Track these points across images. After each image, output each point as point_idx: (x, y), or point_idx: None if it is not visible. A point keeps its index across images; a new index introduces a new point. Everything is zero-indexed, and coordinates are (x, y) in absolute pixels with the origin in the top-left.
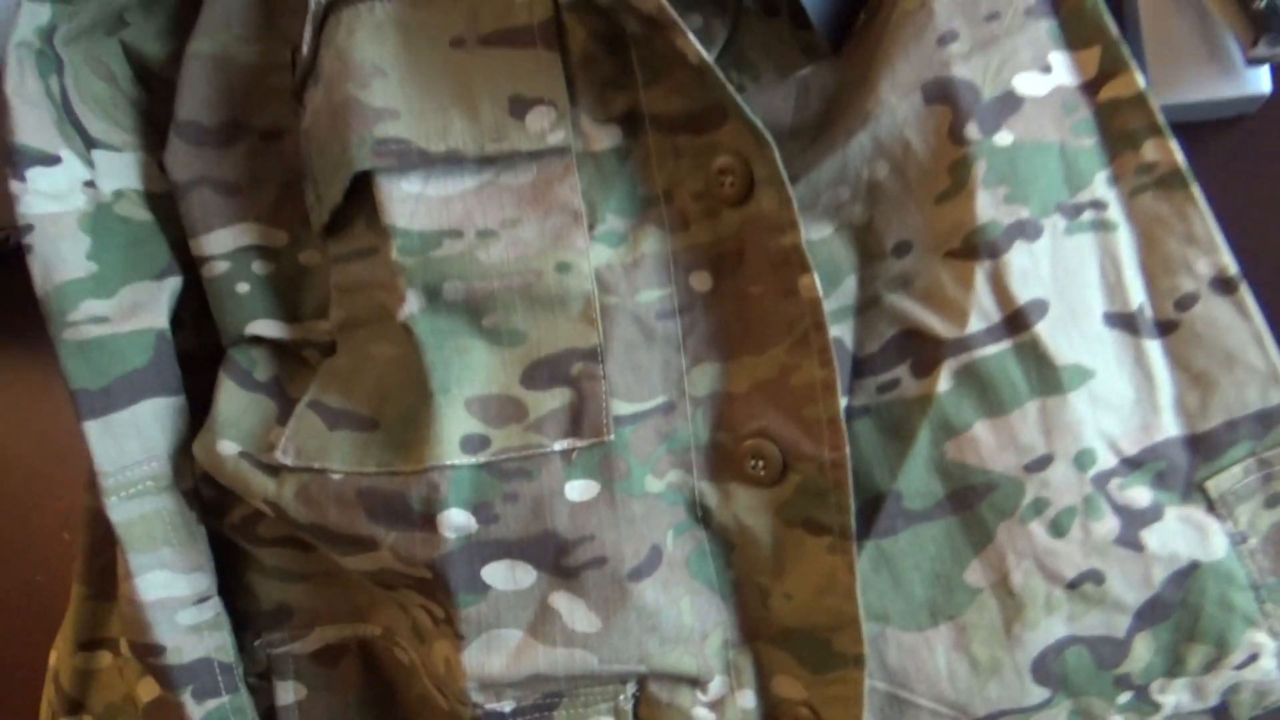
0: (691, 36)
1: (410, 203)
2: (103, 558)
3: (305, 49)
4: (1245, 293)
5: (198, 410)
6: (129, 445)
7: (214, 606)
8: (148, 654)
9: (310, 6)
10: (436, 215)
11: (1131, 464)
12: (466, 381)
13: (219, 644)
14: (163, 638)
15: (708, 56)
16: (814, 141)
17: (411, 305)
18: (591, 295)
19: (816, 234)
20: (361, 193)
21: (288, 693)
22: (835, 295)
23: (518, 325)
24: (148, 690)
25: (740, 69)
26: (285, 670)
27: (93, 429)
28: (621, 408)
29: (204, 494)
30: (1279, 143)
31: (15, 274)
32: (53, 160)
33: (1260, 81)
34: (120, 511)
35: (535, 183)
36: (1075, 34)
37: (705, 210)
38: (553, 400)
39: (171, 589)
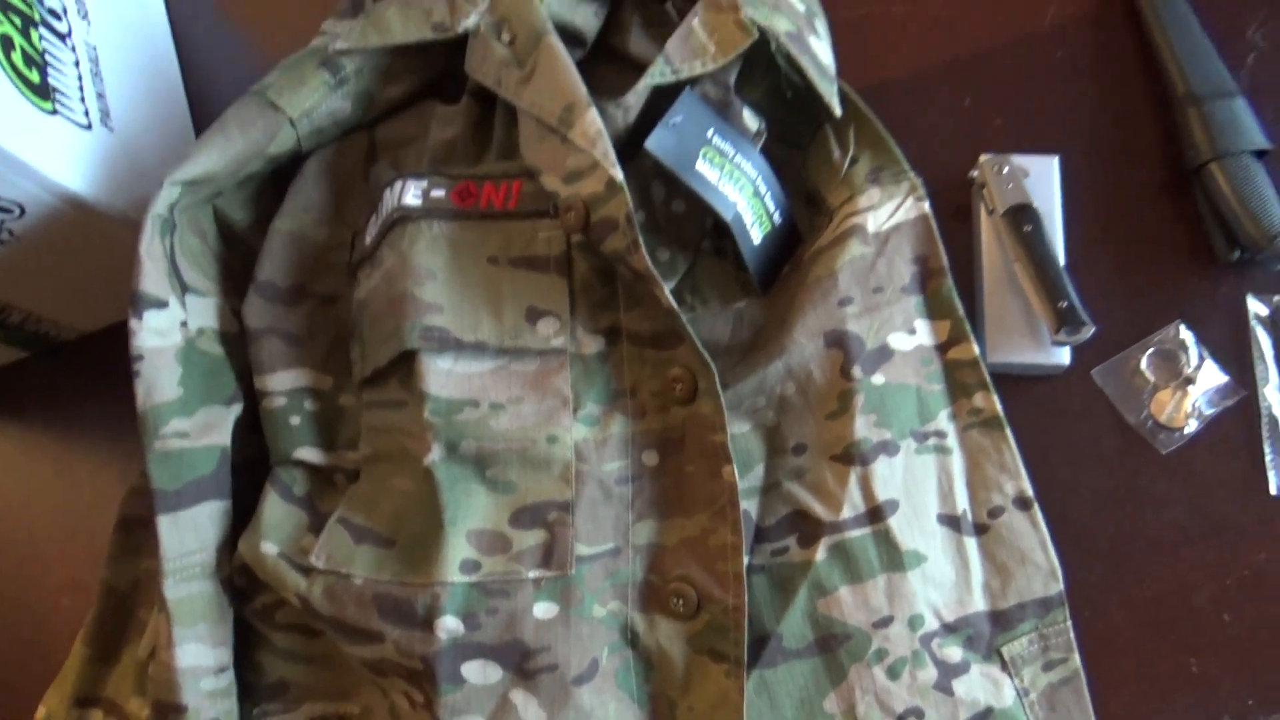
0: (665, 291)
1: (443, 376)
2: (108, 626)
3: (369, 241)
4: (1037, 510)
5: (236, 509)
6: (189, 538)
7: (229, 677)
8: (171, 712)
9: (381, 213)
10: (461, 388)
11: (949, 629)
12: (469, 517)
13: (228, 709)
14: (187, 699)
15: (674, 304)
16: (743, 360)
17: (435, 454)
18: (570, 462)
19: (738, 429)
20: (400, 361)
21: None
22: (747, 478)
23: (512, 478)
24: None
25: (694, 294)
26: None
27: (164, 522)
28: (582, 549)
29: (236, 582)
30: (1073, 399)
31: (53, 368)
32: (162, 304)
33: (1062, 355)
34: (174, 591)
35: (538, 372)
36: (934, 309)
37: (659, 405)
38: (532, 538)
39: (201, 659)
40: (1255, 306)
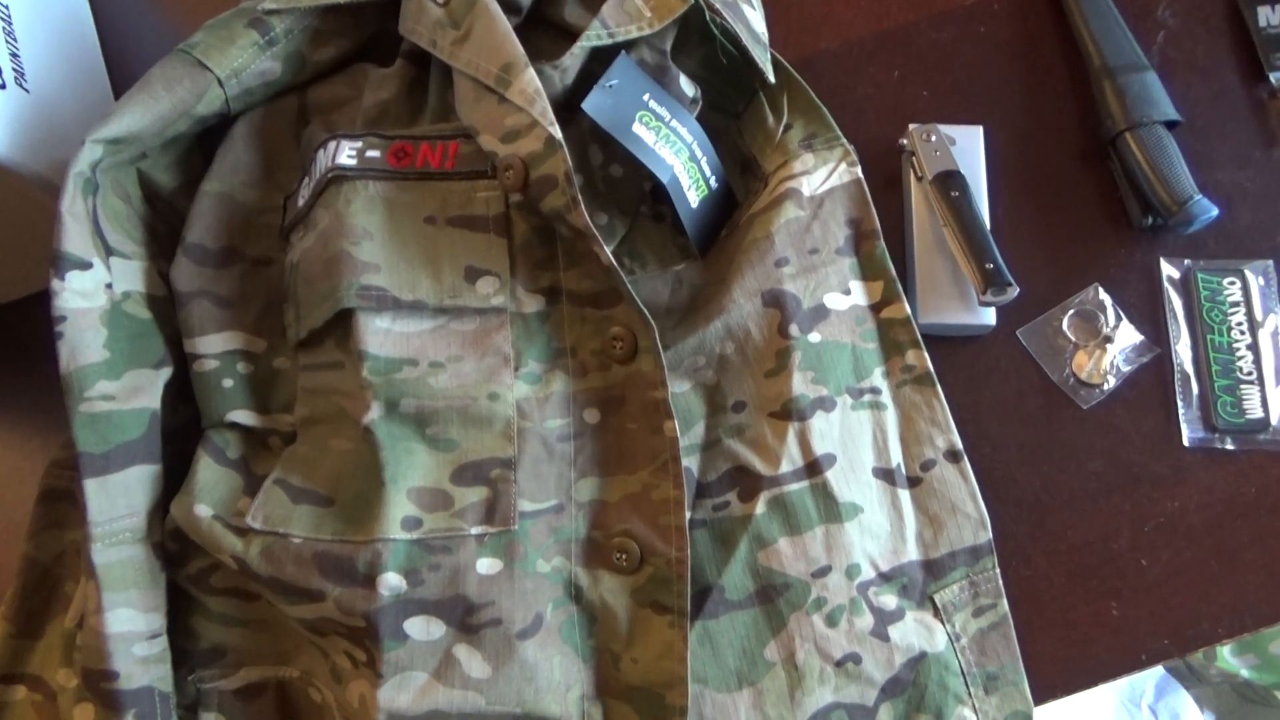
0: (605, 248)
1: (381, 335)
2: (32, 601)
3: (301, 202)
4: (965, 463)
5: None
6: (118, 502)
7: (162, 643)
8: (101, 679)
9: (314, 174)
10: (400, 346)
11: (884, 577)
12: (410, 475)
13: (161, 675)
14: (118, 665)
15: (614, 261)
16: (682, 320)
17: (374, 413)
18: (512, 419)
19: (678, 388)
20: (336, 321)
21: None
22: (688, 435)
23: (453, 436)
24: (85, 715)
25: (633, 257)
26: (210, 703)
27: (91, 486)
28: (525, 505)
29: (168, 547)
30: (1000, 358)
31: None
32: (86, 265)
33: (989, 316)
34: (103, 555)
35: (477, 331)
36: (868, 270)
37: (600, 364)
38: (474, 495)
39: (132, 624)
40: (1167, 269)
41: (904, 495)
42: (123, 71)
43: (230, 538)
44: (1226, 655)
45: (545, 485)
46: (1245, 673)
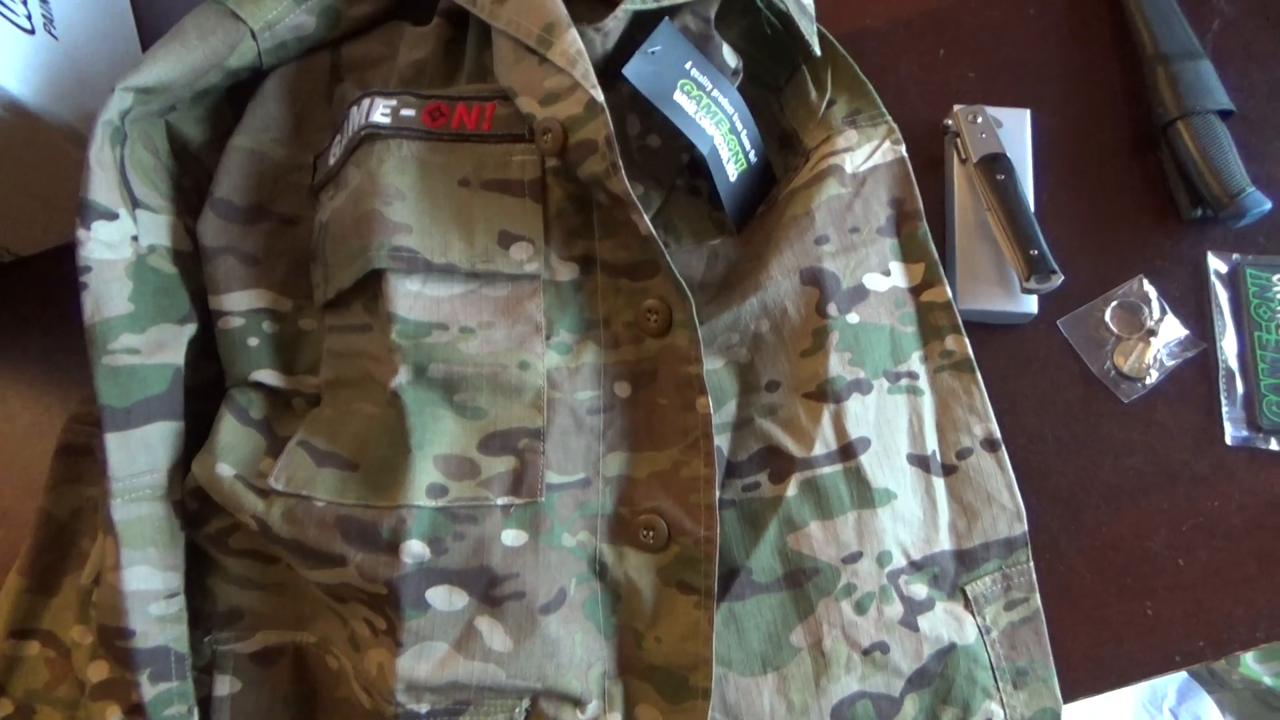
0: (644, 216)
1: (411, 298)
2: (47, 556)
3: (333, 161)
4: (1003, 452)
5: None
6: (138, 457)
7: (179, 603)
8: (117, 636)
9: (347, 132)
10: (430, 310)
11: (916, 566)
12: (436, 442)
13: (177, 635)
14: (134, 623)
15: (653, 229)
16: (716, 296)
17: (402, 377)
18: (542, 389)
19: (710, 365)
20: (365, 283)
21: (224, 685)
22: (720, 414)
23: (482, 404)
24: (98, 672)
25: (668, 230)
26: (225, 665)
27: (112, 440)
28: (552, 478)
29: (188, 506)
30: (1039, 348)
31: None
32: (112, 216)
33: (1030, 304)
34: (122, 511)
35: (509, 298)
36: (909, 252)
37: (633, 336)
38: (501, 465)
39: (150, 583)
40: (1215, 263)
41: (938, 483)
42: (150, 22)
43: (252, 498)
44: (1250, 662)
45: (573, 458)
46: (1268, 680)
